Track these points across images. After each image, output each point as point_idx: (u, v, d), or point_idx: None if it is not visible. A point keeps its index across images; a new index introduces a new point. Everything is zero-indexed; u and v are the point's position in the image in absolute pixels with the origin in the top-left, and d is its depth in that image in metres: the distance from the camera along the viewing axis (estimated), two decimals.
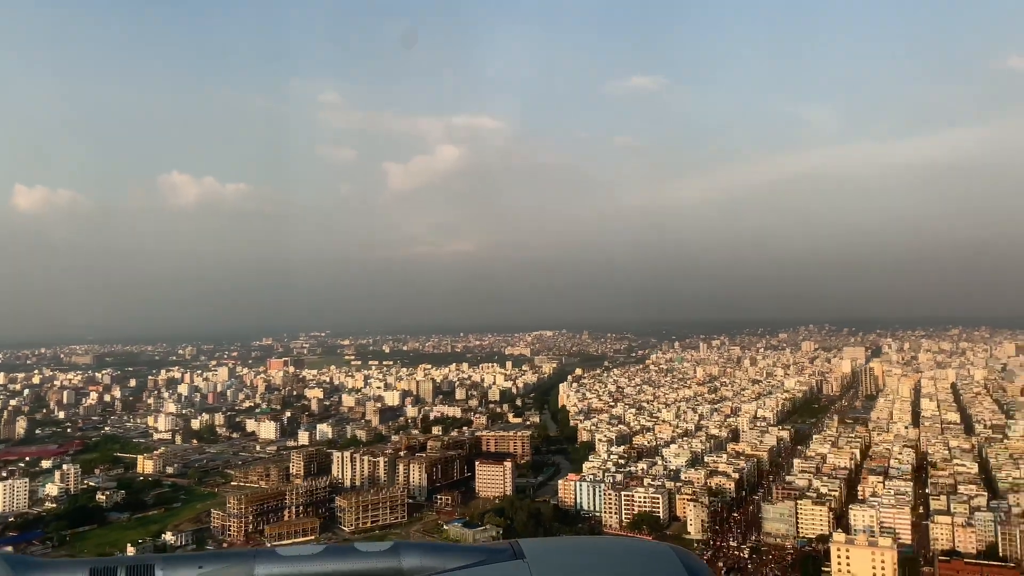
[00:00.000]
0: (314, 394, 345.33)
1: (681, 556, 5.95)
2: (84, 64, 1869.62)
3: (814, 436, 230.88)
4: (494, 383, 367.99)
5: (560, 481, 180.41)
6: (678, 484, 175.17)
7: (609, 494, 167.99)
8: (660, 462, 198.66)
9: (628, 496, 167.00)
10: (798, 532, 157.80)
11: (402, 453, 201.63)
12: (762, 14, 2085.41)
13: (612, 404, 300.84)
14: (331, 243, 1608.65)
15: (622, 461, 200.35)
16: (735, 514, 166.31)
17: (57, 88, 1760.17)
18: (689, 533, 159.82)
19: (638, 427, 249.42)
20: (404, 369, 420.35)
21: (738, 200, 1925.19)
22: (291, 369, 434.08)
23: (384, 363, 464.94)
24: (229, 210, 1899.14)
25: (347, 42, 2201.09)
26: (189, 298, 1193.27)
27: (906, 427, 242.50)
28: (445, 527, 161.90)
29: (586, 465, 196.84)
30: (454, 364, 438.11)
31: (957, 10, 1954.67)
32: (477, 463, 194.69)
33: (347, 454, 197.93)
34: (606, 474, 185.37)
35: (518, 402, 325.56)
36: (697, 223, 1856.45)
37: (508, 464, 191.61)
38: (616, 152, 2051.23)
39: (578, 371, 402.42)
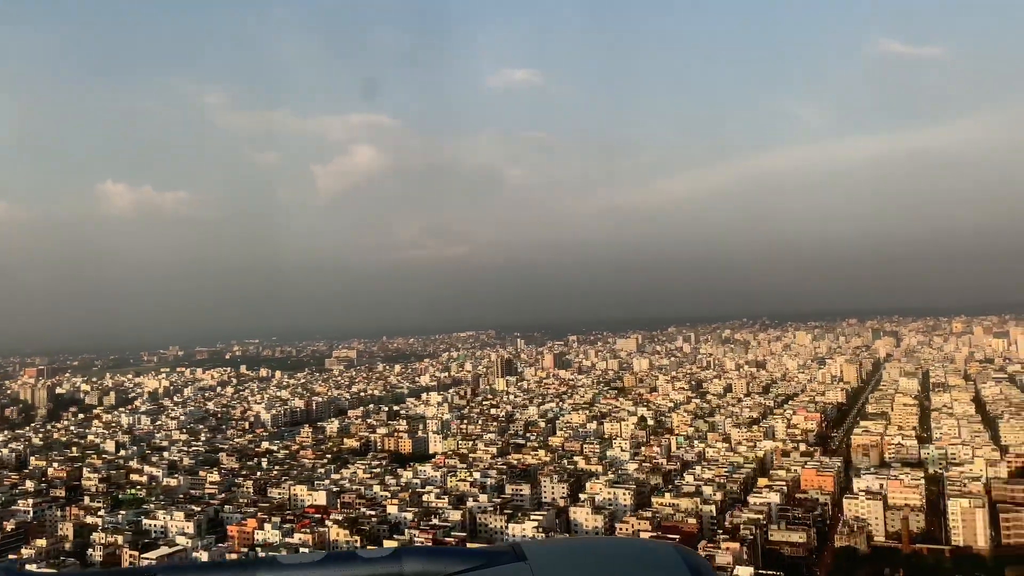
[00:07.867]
0: None
1: (684, 555, 5.93)
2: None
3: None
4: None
5: None
6: None
7: None
8: None
9: None
10: None
11: None
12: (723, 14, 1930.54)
13: (230, 407, 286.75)
14: (283, 246, 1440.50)
15: None
16: None
17: None
18: None
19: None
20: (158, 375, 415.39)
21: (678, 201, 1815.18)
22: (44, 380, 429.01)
23: (192, 369, 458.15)
24: (166, 218, 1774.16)
25: (215, 40, 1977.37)
26: (147, 304, 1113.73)
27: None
28: None
29: None
30: (228, 368, 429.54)
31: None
32: None
33: None
34: None
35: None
36: (664, 221, 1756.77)
37: None
38: (572, 151, 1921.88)
39: (299, 374, 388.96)
